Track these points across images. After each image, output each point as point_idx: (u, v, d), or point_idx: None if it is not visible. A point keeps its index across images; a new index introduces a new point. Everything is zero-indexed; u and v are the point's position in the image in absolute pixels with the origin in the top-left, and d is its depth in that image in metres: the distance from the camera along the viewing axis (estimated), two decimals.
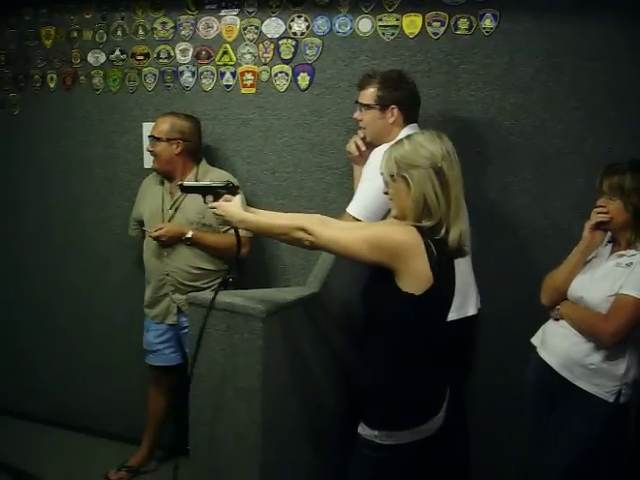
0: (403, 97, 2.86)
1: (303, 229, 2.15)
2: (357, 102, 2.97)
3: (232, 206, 2.33)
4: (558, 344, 2.60)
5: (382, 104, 2.85)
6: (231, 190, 2.44)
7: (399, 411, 2.19)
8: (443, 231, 2.09)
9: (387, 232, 2.13)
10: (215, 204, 2.39)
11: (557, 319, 2.64)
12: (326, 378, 2.80)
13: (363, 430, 2.24)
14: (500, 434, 3.21)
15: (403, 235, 2.08)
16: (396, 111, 2.84)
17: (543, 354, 2.68)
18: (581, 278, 2.58)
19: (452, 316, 2.75)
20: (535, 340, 2.76)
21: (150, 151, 3.39)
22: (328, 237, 2.14)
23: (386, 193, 2.22)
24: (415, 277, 2.07)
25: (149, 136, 3.40)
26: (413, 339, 2.17)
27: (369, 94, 2.89)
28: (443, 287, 2.16)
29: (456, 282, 2.40)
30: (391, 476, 2.24)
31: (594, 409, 2.49)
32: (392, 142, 2.63)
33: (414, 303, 2.08)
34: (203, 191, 2.53)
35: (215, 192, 2.45)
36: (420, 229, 2.08)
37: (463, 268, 2.81)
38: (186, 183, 2.68)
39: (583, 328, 2.51)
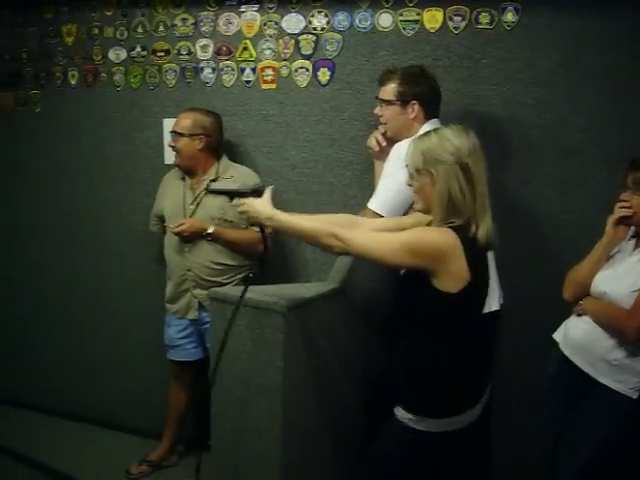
0: (424, 92, 2.84)
1: (335, 236, 2.12)
2: (377, 98, 2.96)
3: (260, 204, 2.30)
4: (581, 340, 2.59)
5: (403, 99, 2.84)
6: (258, 193, 2.41)
7: (434, 401, 2.20)
8: (473, 228, 2.10)
9: (425, 236, 2.11)
10: (243, 201, 2.35)
11: (580, 314, 2.63)
12: (347, 374, 2.80)
13: (398, 411, 2.26)
14: (520, 429, 3.19)
15: (441, 238, 2.07)
16: (417, 106, 2.83)
17: (565, 350, 2.66)
18: (604, 273, 2.56)
19: None
20: (557, 336, 2.74)
21: (172, 147, 3.40)
22: (362, 246, 2.12)
23: (410, 185, 2.21)
24: (453, 277, 2.07)
25: (171, 132, 3.41)
26: (449, 334, 2.16)
27: (390, 90, 2.88)
28: (479, 282, 2.16)
29: None
30: (416, 459, 2.26)
31: (617, 405, 2.47)
32: (413, 137, 2.64)
33: (451, 301, 2.09)
34: (230, 194, 2.53)
35: (242, 196, 2.43)
36: (455, 229, 2.08)
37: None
38: (213, 186, 2.65)
39: (606, 324, 2.49)
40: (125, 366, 4.12)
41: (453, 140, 2.11)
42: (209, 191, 2.60)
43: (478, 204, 2.10)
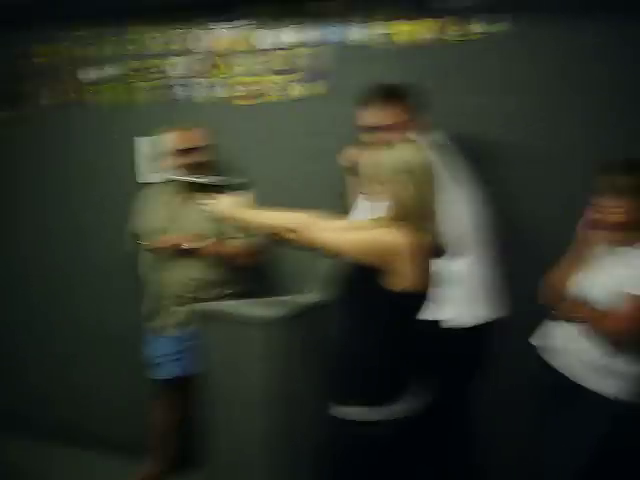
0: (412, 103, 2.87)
1: (294, 231, 2.26)
2: (375, 127, 2.83)
3: (224, 202, 2.46)
4: (562, 344, 2.61)
5: (411, 115, 2.82)
6: (225, 187, 2.60)
7: (363, 390, 2.27)
8: (422, 234, 2.20)
9: (379, 236, 2.20)
10: (207, 200, 2.51)
11: (558, 319, 2.66)
12: None
13: (334, 410, 2.30)
14: (511, 434, 3.19)
15: (394, 239, 2.17)
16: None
17: (547, 355, 2.69)
18: (581, 277, 2.60)
19: (469, 320, 2.78)
20: (536, 340, 2.77)
21: (186, 164, 3.36)
22: (320, 241, 2.24)
23: (363, 193, 2.35)
24: (400, 276, 2.17)
25: (187, 148, 3.38)
26: (384, 328, 2.27)
27: (397, 111, 2.81)
28: (423, 285, 2.27)
29: (471, 288, 2.67)
30: (354, 452, 2.29)
31: (603, 408, 2.49)
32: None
33: (394, 299, 2.19)
34: (194, 186, 2.69)
35: (210, 188, 2.60)
36: (407, 232, 2.18)
37: (481, 272, 2.84)
38: (176, 177, 2.77)
39: (587, 327, 2.53)
40: (111, 386, 4.09)
41: (406, 154, 2.23)
42: (176, 181, 2.73)
43: (427, 213, 2.22)
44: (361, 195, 2.78)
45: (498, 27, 3.11)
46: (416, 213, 2.19)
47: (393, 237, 2.17)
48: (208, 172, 3.35)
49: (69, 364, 4.19)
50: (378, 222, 2.34)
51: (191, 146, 3.37)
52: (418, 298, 2.31)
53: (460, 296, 2.76)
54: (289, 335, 2.60)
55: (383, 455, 2.32)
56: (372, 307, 2.26)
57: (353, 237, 2.24)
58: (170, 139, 3.41)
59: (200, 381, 2.67)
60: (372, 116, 2.84)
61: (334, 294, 2.70)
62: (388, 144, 2.31)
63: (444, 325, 2.74)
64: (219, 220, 2.54)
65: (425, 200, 2.21)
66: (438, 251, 2.29)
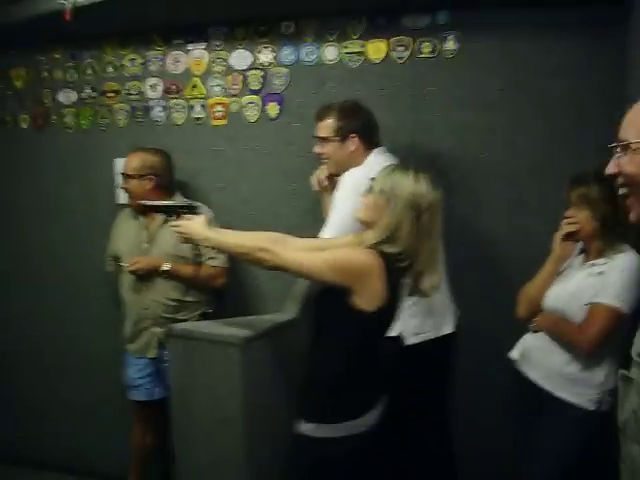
0: (361, 125, 2.89)
1: (265, 250, 2.22)
2: (315, 136, 2.99)
3: (195, 224, 2.43)
4: (537, 356, 2.62)
5: (342, 134, 2.89)
6: (192, 210, 2.55)
7: (331, 405, 2.26)
8: (407, 262, 2.20)
9: (349, 255, 2.21)
10: (178, 222, 2.49)
11: (535, 331, 2.66)
12: None
13: (300, 427, 2.28)
14: (486, 448, 3.20)
15: (365, 258, 2.17)
16: (356, 140, 2.88)
17: (523, 367, 2.69)
18: (555, 289, 2.60)
19: (429, 335, 2.80)
20: (514, 354, 2.76)
21: (123, 188, 3.41)
22: (291, 259, 2.20)
23: (364, 196, 2.30)
24: (370, 296, 2.16)
25: (121, 173, 3.42)
26: (353, 347, 2.25)
27: (327, 126, 2.92)
28: (392, 308, 2.29)
29: (432, 302, 2.59)
30: (326, 468, 2.27)
31: (576, 420, 2.49)
32: (360, 167, 2.71)
33: (364, 319, 2.18)
34: (164, 210, 2.69)
35: (177, 212, 2.55)
36: (383, 255, 2.17)
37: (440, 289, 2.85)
38: (147, 203, 2.79)
39: (560, 339, 2.53)
40: (88, 408, 4.05)
41: (422, 187, 2.20)
42: (145, 207, 2.76)
43: (426, 257, 2.22)
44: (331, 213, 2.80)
45: (449, 46, 3.17)
46: (408, 244, 2.18)
47: (364, 257, 2.17)
48: (152, 197, 3.29)
49: (47, 389, 4.15)
50: (348, 241, 2.36)
51: (128, 172, 3.37)
52: (385, 317, 2.30)
53: (422, 310, 2.78)
54: (261, 354, 2.59)
55: (348, 472, 2.29)
56: (339, 325, 2.25)
57: (325, 257, 2.20)
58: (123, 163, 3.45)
59: (173, 402, 2.64)
60: (317, 130, 2.98)
61: (304, 312, 2.72)
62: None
63: (406, 340, 2.76)
64: (189, 241, 2.53)
65: (424, 243, 2.20)
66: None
